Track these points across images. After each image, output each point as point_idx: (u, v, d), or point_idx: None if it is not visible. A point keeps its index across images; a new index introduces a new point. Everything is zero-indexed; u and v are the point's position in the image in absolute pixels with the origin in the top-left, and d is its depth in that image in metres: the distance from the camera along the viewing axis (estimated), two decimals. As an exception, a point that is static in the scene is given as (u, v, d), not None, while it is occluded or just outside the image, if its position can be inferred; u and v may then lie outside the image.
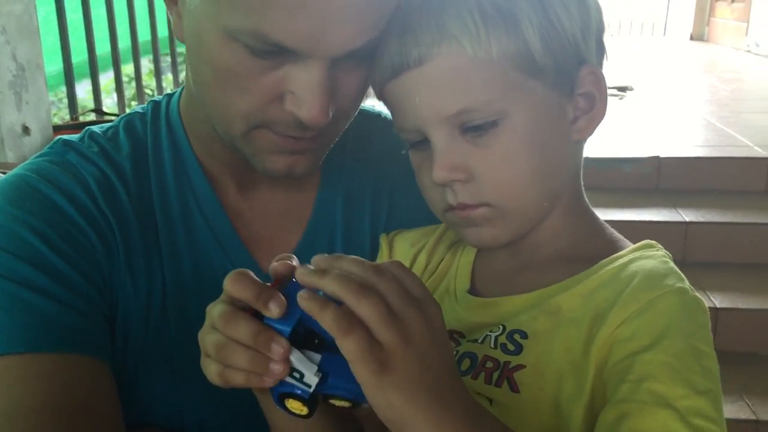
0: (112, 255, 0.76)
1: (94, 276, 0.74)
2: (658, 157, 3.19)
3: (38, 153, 0.83)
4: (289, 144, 0.72)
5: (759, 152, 3.19)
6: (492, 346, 0.67)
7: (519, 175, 0.66)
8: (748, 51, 6.31)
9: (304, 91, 0.67)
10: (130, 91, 4.15)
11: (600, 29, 0.70)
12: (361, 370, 0.51)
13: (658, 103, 4.31)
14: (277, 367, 0.53)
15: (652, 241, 0.70)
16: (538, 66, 0.65)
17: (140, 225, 0.78)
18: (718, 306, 2.50)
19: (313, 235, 0.84)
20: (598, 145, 3.31)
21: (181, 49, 3.53)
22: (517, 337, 0.66)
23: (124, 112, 2.84)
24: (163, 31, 3.35)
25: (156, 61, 3.30)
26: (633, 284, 0.63)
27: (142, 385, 0.78)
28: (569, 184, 0.71)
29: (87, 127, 0.85)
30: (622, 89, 4.65)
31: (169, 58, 3.52)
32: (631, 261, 0.66)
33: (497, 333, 0.67)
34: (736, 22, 6.70)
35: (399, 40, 0.66)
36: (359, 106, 0.76)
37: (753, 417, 2.14)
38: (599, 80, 0.68)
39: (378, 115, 0.93)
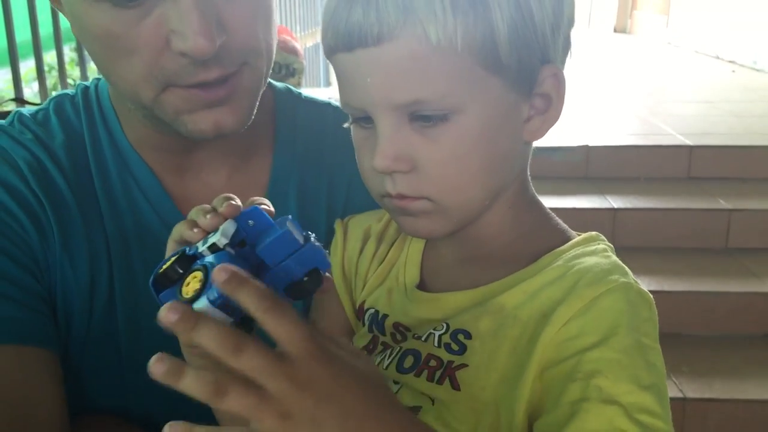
0: (47, 236, 0.74)
1: (28, 261, 0.72)
2: (587, 145, 3.28)
3: None
4: (204, 95, 0.68)
5: (681, 140, 3.32)
6: (436, 345, 0.66)
7: (463, 173, 0.64)
8: (669, 43, 6.55)
9: (180, 23, 0.63)
10: (51, 80, 3.99)
11: (570, 24, 0.68)
12: (263, 428, 0.44)
13: (585, 94, 4.43)
14: None
15: (594, 233, 0.70)
16: (502, 62, 0.61)
17: (80, 210, 0.77)
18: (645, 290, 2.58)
19: None
20: (529, 135, 3.38)
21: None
22: (461, 337, 0.65)
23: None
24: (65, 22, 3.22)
25: (79, 49, 3.17)
26: (577, 282, 0.63)
27: (87, 372, 0.76)
28: (514, 179, 0.70)
29: (15, 110, 0.83)
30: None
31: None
32: (574, 257, 0.66)
33: (441, 332, 0.66)
34: (657, 15, 6.94)
35: (361, 11, 0.60)
36: (262, 38, 0.71)
37: (681, 395, 2.23)
38: (559, 82, 0.66)
39: (328, 105, 0.92)
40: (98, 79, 0.84)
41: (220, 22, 0.65)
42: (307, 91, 0.96)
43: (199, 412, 0.74)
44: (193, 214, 0.60)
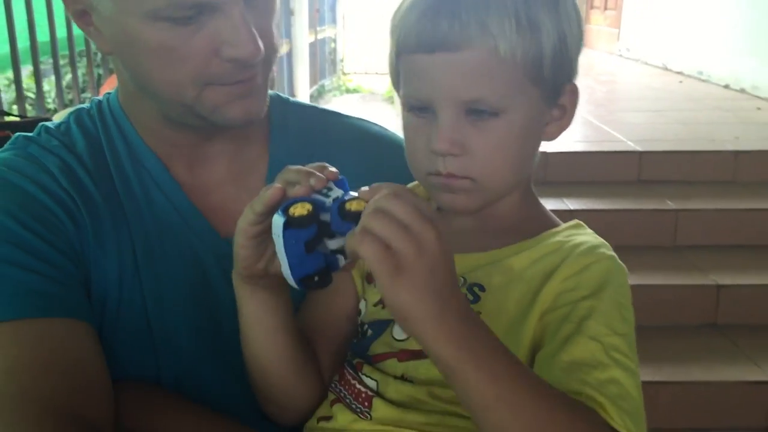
0: (81, 229, 0.85)
1: (67, 249, 0.83)
2: (545, 152, 3.46)
3: (1, 149, 0.91)
4: (238, 89, 0.83)
5: (631, 146, 3.54)
6: None
7: (504, 160, 0.78)
8: (620, 55, 6.84)
9: (234, 35, 0.78)
10: (10, 94, 4.02)
11: (580, 50, 0.83)
12: (378, 271, 0.60)
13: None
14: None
15: (580, 222, 0.86)
16: (543, 77, 0.77)
17: (106, 205, 0.87)
18: (601, 284, 2.77)
19: None
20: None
21: (65, 52, 3.49)
22: (476, 289, 0.79)
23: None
24: (43, 36, 3.29)
25: (35, 66, 3.21)
26: (575, 252, 0.78)
27: (120, 345, 0.86)
28: (529, 172, 0.86)
29: (40, 123, 0.94)
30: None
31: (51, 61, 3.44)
32: (569, 235, 0.82)
33: (459, 284, 0.78)
34: (609, 28, 7.24)
35: (447, 23, 0.73)
36: (276, 41, 0.86)
37: (633, 379, 2.41)
38: (575, 96, 0.82)
39: (314, 107, 1.06)
40: (108, 95, 0.96)
41: (260, 31, 0.80)
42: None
43: (225, 374, 0.86)
44: (293, 175, 0.72)
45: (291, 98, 1.07)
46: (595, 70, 6.21)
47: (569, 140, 3.73)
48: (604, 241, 0.82)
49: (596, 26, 7.68)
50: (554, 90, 0.79)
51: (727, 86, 5.02)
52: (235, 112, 0.84)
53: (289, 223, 0.67)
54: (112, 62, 0.90)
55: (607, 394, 0.69)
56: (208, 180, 0.94)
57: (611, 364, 0.71)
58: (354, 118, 1.08)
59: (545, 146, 3.15)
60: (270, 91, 0.99)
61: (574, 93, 0.82)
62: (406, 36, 0.78)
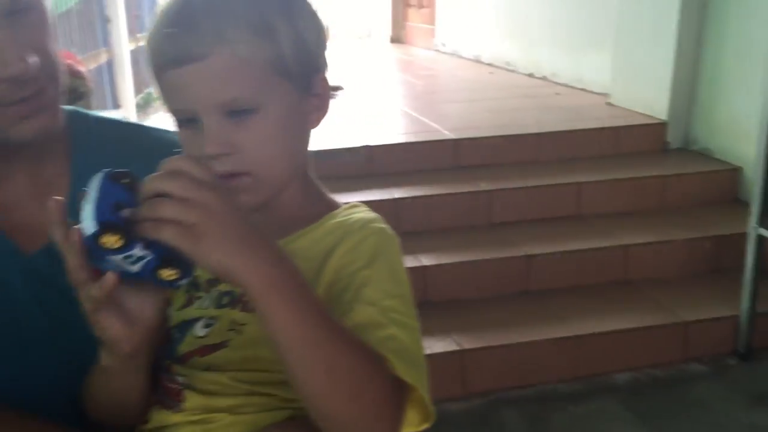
0: None
1: None
2: (368, 145, 3.63)
3: None
4: (25, 108, 0.85)
5: (447, 135, 3.78)
6: None
7: (275, 150, 0.85)
8: (437, 50, 7.21)
9: None
10: None
11: (326, 44, 0.92)
12: (183, 247, 0.66)
13: (365, 100, 4.82)
14: None
15: (357, 202, 0.95)
16: (289, 71, 0.84)
17: None
18: (426, 264, 2.97)
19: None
20: (317, 140, 3.65)
21: None
22: None
23: None
24: None
25: None
26: (351, 229, 0.87)
27: None
28: (304, 161, 0.94)
29: None
30: (335, 89, 5.09)
31: None
32: (346, 214, 0.91)
33: None
34: (425, 25, 7.60)
35: (183, 36, 0.80)
36: (51, 50, 0.88)
37: (459, 348, 2.62)
38: (326, 85, 0.91)
39: (120, 121, 1.10)
40: None
41: (24, 46, 0.82)
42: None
43: (30, 404, 0.88)
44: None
45: (91, 112, 1.09)
46: (414, 66, 6.52)
47: (391, 133, 3.92)
48: (377, 216, 0.92)
49: (413, 23, 8.03)
50: (306, 82, 0.88)
51: (531, 75, 5.47)
52: (26, 130, 0.86)
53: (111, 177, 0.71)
54: None
55: (388, 348, 0.77)
56: (9, 199, 0.95)
57: (389, 323, 0.79)
58: (156, 128, 1.11)
59: (369, 140, 3.33)
60: (69, 107, 1.02)
61: (325, 82, 0.91)
62: (156, 54, 0.84)
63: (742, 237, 2.76)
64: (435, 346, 2.63)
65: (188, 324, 0.88)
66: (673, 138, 3.82)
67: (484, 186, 3.41)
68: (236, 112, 0.82)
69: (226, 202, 0.70)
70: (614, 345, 2.76)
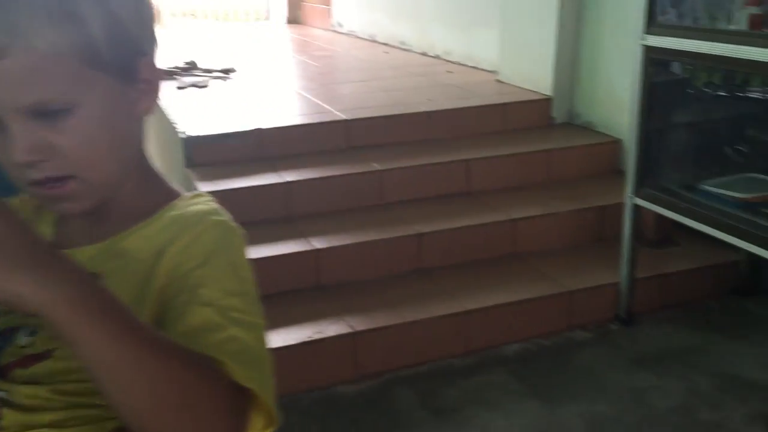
0: None
1: None
2: (259, 128, 3.55)
3: None
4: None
5: (339, 116, 3.74)
6: None
7: (98, 151, 0.78)
8: (334, 31, 7.14)
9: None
10: None
11: (153, 20, 0.84)
12: None
13: (259, 82, 4.71)
14: None
15: (202, 191, 0.90)
16: (104, 60, 0.76)
17: None
18: (318, 248, 2.93)
19: None
20: (206, 124, 3.55)
21: None
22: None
23: None
24: None
25: None
26: (187, 223, 0.82)
27: None
28: (138, 152, 0.87)
29: None
30: (227, 71, 4.97)
31: None
32: (186, 206, 0.85)
33: None
34: (321, 6, 7.50)
35: None
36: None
37: (351, 330, 2.60)
38: (154, 69, 0.83)
39: None
40: None
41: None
42: None
43: None
44: None
45: None
46: (310, 47, 6.42)
47: (282, 115, 3.84)
48: (217, 207, 0.87)
49: (310, 4, 7.92)
50: (127, 69, 0.81)
51: (425, 54, 5.49)
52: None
53: None
54: None
55: (227, 351, 0.72)
56: None
57: (228, 324, 0.75)
58: None
59: (259, 123, 3.24)
60: None
61: (151, 66, 0.84)
62: None
63: (622, 207, 2.86)
64: (327, 329, 2.61)
65: (11, 332, 0.82)
66: (557, 113, 3.92)
67: (375, 166, 3.39)
68: (46, 114, 0.74)
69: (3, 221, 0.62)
70: (503, 317, 2.82)
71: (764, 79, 2.65)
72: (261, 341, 0.78)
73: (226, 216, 0.86)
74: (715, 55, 2.32)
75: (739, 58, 2.22)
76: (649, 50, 2.55)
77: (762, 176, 2.63)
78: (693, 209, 2.53)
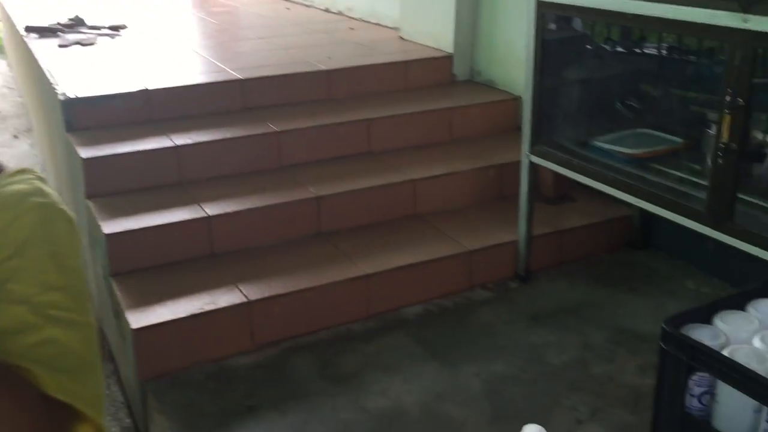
0: None
1: None
2: (146, 89, 3.34)
3: None
4: None
5: (235, 75, 3.57)
6: None
7: None
8: (235, -14, 6.84)
9: None
10: None
11: None
12: None
13: (152, 40, 4.45)
14: None
15: (27, 167, 0.78)
16: None
17: None
18: (211, 215, 2.80)
19: None
20: (89, 85, 3.32)
21: None
22: None
23: None
24: None
25: None
26: (1, 207, 0.70)
27: None
28: None
29: None
30: (116, 28, 4.67)
31: None
32: (3, 186, 0.73)
33: None
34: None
35: None
36: None
37: (246, 300, 2.50)
38: None
39: None
40: None
41: None
42: None
43: None
44: None
45: None
46: (209, 3, 6.14)
47: (173, 75, 3.63)
48: (41, 188, 0.75)
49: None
50: None
51: (327, 10, 5.34)
52: None
53: None
54: None
55: (39, 358, 0.64)
56: None
57: (45, 324, 0.66)
58: None
59: (147, 84, 3.02)
60: None
61: None
62: None
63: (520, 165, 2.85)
64: (220, 300, 2.50)
65: None
66: (459, 71, 3.88)
67: (272, 127, 3.26)
68: None
69: None
70: (405, 280, 2.78)
71: (657, 34, 2.67)
72: (87, 342, 0.69)
73: (52, 197, 0.75)
74: (604, 10, 2.30)
75: (623, 12, 2.21)
76: (541, 5, 2.51)
77: (653, 132, 2.66)
78: (586, 166, 2.54)
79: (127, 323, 2.39)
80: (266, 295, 2.55)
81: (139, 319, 2.39)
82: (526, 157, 2.77)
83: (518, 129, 3.53)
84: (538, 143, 2.72)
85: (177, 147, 3.08)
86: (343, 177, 3.14)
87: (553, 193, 3.21)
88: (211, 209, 2.84)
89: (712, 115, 2.20)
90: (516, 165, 2.98)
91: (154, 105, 3.34)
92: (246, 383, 2.37)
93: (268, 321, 2.54)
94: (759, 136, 2.21)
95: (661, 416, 1.84)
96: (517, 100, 3.60)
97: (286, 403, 2.26)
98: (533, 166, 2.77)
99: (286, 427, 2.17)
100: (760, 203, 2.06)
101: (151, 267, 2.70)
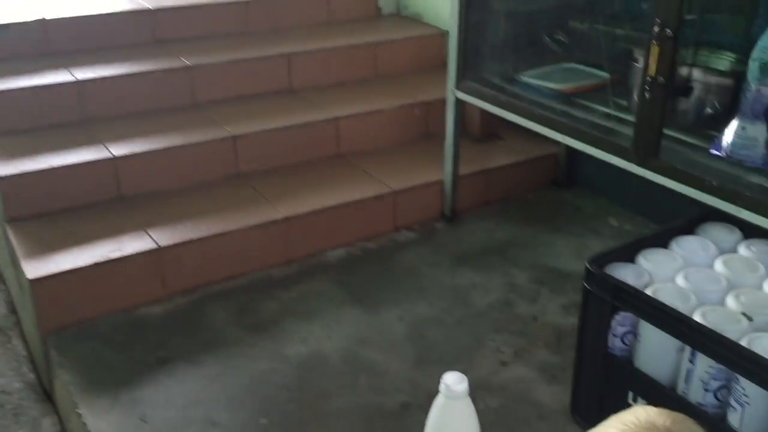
0: None
1: None
2: (43, 19, 3.06)
3: None
4: None
5: (144, 5, 3.30)
6: None
7: None
8: None
9: None
10: None
11: None
12: None
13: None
14: None
15: None
16: None
17: None
18: (117, 155, 2.60)
19: None
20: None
21: None
22: None
23: None
24: None
25: None
26: None
27: None
28: None
29: None
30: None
31: None
32: None
33: None
34: None
35: None
36: None
37: (156, 246, 2.35)
38: None
39: None
40: None
41: None
42: None
43: None
44: None
45: None
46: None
47: (74, 4, 3.33)
48: None
49: None
50: None
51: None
52: None
53: None
54: None
55: None
56: None
57: None
58: None
59: (45, 14, 2.69)
60: None
61: None
62: None
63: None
64: (128, 246, 2.33)
65: None
66: (384, 3, 3.71)
67: (185, 61, 3.04)
68: None
69: None
70: (327, 222, 2.67)
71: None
72: None
73: None
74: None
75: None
76: (467, -71, 2.37)
77: (579, 66, 2.59)
78: (513, 102, 2.46)
79: (23, 273, 2.21)
80: (178, 240, 2.39)
81: (37, 268, 2.21)
82: (452, 93, 2.66)
83: (446, 65, 3.44)
84: (464, 79, 2.61)
85: (78, 82, 2.84)
86: (262, 115, 2.97)
87: (480, 131, 3.12)
88: (118, 149, 2.63)
89: (639, 51, 2.13)
90: (442, 102, 2.87)
91: (52, 36, 3.07)
92: (157, 334, 2.23)
93: (180, 268, 2.40)
94: (685, 70, 2.16)
95: (583, 356, 1.81)
96: (444, 35, 3.45)
97: (201, 354, 2.14)
98: (459, 103, 2.67)
99: (200, 379, 2.06)
100: (686, 139, 2.02)
101: (51, 212, 2.49)
